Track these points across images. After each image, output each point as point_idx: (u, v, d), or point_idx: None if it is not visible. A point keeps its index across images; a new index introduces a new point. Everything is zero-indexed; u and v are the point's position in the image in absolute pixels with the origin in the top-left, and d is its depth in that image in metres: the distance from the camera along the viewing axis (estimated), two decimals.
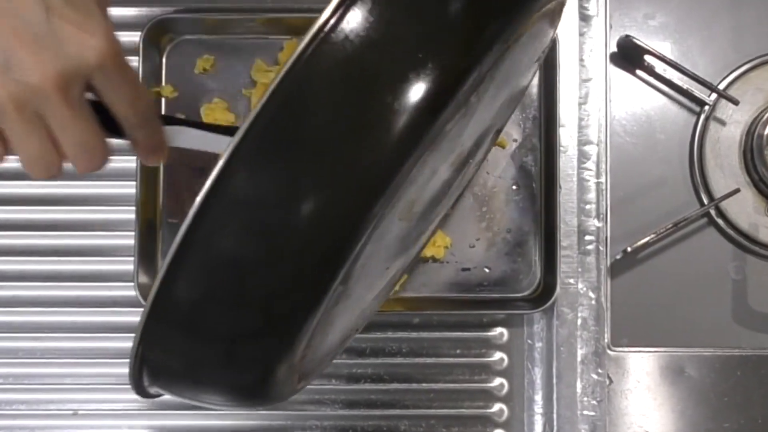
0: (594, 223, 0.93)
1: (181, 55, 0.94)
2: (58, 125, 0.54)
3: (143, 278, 0.91)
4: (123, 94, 0.56)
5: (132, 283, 0.91)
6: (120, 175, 0.95)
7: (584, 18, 0.94)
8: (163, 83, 0.95)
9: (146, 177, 0.92)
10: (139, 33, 0.92)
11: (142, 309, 0.53)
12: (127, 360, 0.56)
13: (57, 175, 0.57)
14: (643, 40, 0.92)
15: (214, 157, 0.52)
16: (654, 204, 0.94)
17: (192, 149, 0.61)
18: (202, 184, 0.56)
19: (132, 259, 0.91)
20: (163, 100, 0.95)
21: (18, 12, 0.52)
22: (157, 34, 0.93)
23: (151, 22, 0.92)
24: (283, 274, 0.50)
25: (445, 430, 0.94)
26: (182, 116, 0.65)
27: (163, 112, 0.89)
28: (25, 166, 0.56)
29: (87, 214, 0.96)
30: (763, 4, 0.96)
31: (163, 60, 0.95)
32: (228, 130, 0.62)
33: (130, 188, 0.93)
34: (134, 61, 0.92)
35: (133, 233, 0.91)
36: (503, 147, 0.95)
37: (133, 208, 0.91)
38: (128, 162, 0.93)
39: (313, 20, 0.84)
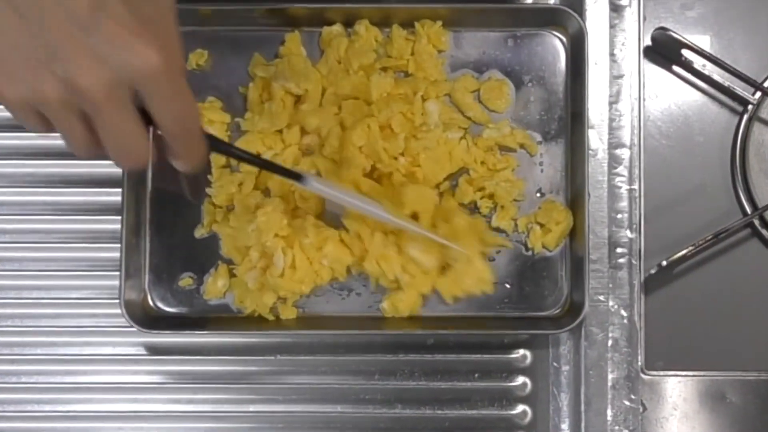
0: (626, 234, 0.91)
1: None
2: (101, 127, 0.57)
3: (130, 294, 0.89)
4: (170, 109, 0.58)
5: (117, 300, 0.88)
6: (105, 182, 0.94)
7: (615, 8, 0.92)
8: None
9: (132, 186, 0.90)
10: None
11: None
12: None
13: (98, 159, 0.60)
14: (680, 32, 0.90)
15: None
16: (692, 213, 0.93)
17: None
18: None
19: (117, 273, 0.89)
20: None
21: (66, 4, 0.53)
22: None
23: None
24: None
25: None
26: (227, 141, 0.73)
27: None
28: (67, 146, 0.59)
29: (71, 225, 0.94)
30: None
31: None
32: (275, 168, 0.77)
33: (115, 199, 0.91)
34: None
35: (117, 250, 0.89)
36: (532, 154, 0.92)
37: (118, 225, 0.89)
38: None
39: (317, 11, 0.83)
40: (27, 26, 0.54)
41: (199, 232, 0.92)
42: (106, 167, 0.92)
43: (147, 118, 0.59)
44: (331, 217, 0.89)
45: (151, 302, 0.92)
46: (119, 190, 0.89)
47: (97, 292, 0.93)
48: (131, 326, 0.87)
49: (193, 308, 0.91)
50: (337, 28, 0.92)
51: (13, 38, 0.54)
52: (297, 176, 0.77)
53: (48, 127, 0.59)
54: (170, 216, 0.92)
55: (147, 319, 0.90)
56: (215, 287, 0.91)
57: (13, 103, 0.57)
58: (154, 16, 0.57)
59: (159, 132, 0.60)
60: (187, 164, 0.63)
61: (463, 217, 0.89)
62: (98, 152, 0.59)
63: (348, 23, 0.92)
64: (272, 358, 0.92)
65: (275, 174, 0.79)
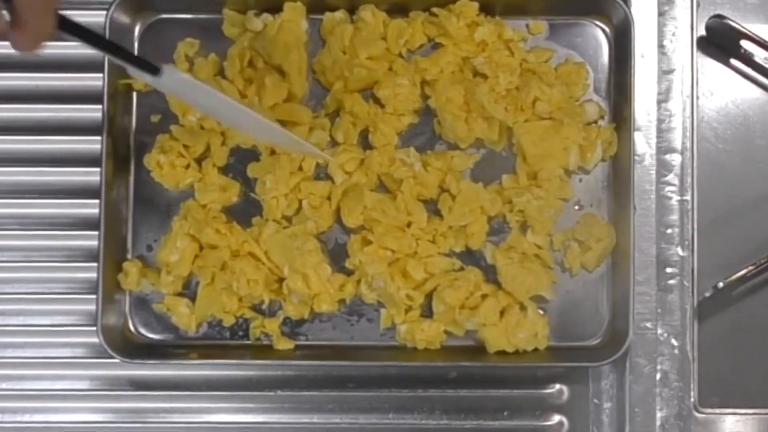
0: (677, 252, 0.89)
1: (158, 38, 0.91)
2: None
3: (108, 319, 0.86)
4: None
5: (94, 327, 0.86)
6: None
7: None
8: None
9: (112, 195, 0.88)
10: (105, 10, 0.87)
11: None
12: None
13: None
14: (738, 21, 0.89)
15: None
16: (752, 228, 0.91)
17: None
18: None
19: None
20: (135, 94, 0.90)
21: None
22: (128, 10, 0.89)
23: None
24: None
25: None
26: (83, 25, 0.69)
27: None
28: None
29: (41, 241, 0.92)
30: None
31: (136, 44, 0.91)
32: (128, 56, 0.73)
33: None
34: None
35: (94, 269, 0.87)
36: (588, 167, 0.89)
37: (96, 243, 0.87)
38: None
39: None
40: None
41: None
42: (82, 175, 0.90)
43: None
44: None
45: (132, 328, 0.89)
46: (97, 201, 0.86)
47: (72, 318, 0.91)
48: (110, 356, 0.85)
49: (180, 335, 0.89)
50: (340, 14, 0.90)
51: None
52: (154, 69, 0.73)
53: None
54: (155, 229, 0.90)
55: (128, 347, 0.88)
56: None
57: None
58: None
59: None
60: (31, 42, 0.62)
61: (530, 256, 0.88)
62: None
63: (399, 10, 0.90)
64: (271, 393, 0.90)
65: (128, 64, 0.74)
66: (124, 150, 0.89)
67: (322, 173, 0.88)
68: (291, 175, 0.87)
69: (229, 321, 0.88)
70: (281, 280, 0.88)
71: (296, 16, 0.89)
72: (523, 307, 0.87)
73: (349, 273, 0.88)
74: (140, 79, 0.74)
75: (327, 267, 0.86)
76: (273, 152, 0.88)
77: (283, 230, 0.87)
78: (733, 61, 0.92)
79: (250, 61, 0.88)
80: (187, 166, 0.88)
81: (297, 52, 0.88)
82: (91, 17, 0.88)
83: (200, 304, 0.87)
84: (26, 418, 0.90)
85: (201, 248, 0.87)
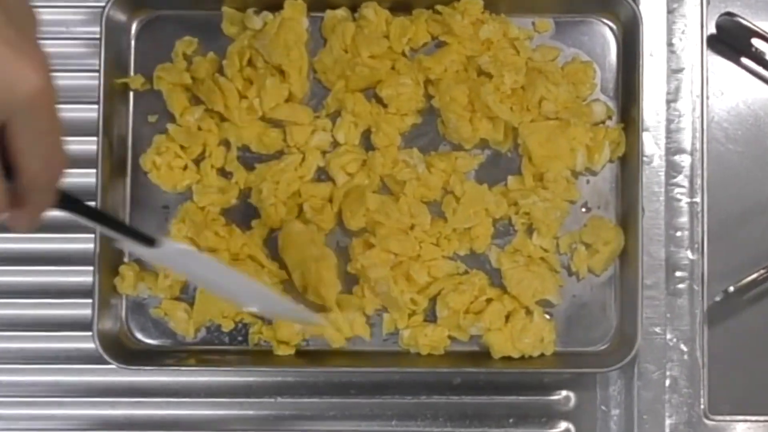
0: (687, 255, 0.88)
1: (155, 36, 0.90)
2: None
3: (104, 324, 0.86)
4: (43, 147, 0.55)
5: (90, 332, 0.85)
6: None
7: None
8: (132, 73, 0.90)
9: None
10: (100, 7, 0.86)
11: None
12: None
13: None
14: (749, 18, 0.88)
15: None
16: (764, 231, 0.90)
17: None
18: None
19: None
20: (131, 93, 0.90)
21: None
22: (124, 8, 0.88)
23: None
24: None
25: None
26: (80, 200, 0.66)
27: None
28: None
29: (36, 244, 0.91)
30: None
31: (132, 43, 0.90)
32: (124, 229, 0.68)
33: None
34: (94, 46, 0.87)
35: (90, 273, 0.86)
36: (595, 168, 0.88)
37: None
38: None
39: None
40: None
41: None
42: (78, 177, 0.86)
43: None
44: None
45: (129, 333, 0.89)
46: (93, 203, 0.85)
47: (66, 323, 0.90)
48: (106, 361, 0.85)
49: (178, 340, 0.88)
50: (341, 12, 0.89)
51: None
52: (149, 241, 0.68)
53: None
54: (153, 232, 0.85)
55: (124, 352, 0.87)
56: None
57: None
58: (29, 31, 0.54)
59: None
60: (31, 221, 0.58)
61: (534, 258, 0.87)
62: None
63: (402, 8, 0.89)
64: (272, 400, 0.90)
65: (124, 237, 0.68)
66: (121, 151, 0.88)
67: (323, 175, 0.88)
68: (289, 181, 0.87)
69: (228, 326, 0.87)
70: (283, 281, 0.87)
71: (297, 14, 0.88)
72: (528, 312, 0.86)
73: (351, 277, 0.87)
74: (135, 252, 0.71)
75: (337, 283, 0.86)
76: (265, 160, 0.88)
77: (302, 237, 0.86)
78: (744, 60, 0.91)
79: (250, 59, 0.87)
80: (185, 168, 0.87)
81: (297, 51, 0.87)
82: (88, 15, 0.89)
83: (198, 309, 0.87)
84: (22, 425, 0.90)
85: (199, 251, 0.86)
